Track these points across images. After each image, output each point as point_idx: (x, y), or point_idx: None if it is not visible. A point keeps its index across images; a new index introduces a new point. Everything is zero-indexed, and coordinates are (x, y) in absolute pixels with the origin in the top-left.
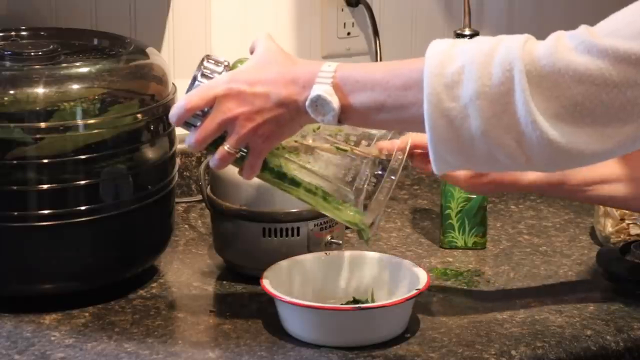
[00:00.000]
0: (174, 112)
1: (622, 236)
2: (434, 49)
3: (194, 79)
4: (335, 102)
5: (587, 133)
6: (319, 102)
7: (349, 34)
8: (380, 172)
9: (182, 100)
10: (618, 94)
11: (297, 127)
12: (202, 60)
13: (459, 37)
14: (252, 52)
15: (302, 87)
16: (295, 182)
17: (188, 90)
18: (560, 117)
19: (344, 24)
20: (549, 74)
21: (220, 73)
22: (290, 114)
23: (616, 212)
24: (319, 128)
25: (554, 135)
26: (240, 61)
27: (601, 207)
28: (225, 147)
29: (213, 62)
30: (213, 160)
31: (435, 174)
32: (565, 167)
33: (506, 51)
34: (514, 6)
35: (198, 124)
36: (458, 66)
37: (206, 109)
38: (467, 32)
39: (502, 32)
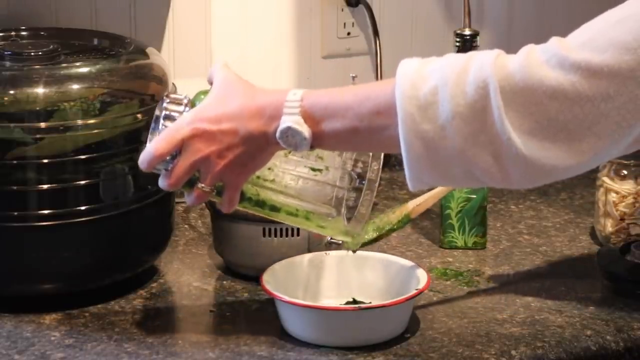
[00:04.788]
0: (143, 159)
1: (622, 236)
2: (405, 69)
3: (156, 119)
4: (306, 132)
5: (561, 148)
6: (290, 133)
7: (349, 34)
8: (358, 185)
9: (150, 147)
10: (592, 108)
11: (269, 157)
12: (162, 100)
13: (459, 37)
14: (210, 83)
15: (269, 119)
16: (275, 208)
17: (152, 130)
18: (534, 133)
19: (344, 24)
20: (522, 89)
21: (182, 113)
22: (260, 146)
23: (616, 212)
24: (290, 152)
25: (528, 152)
26: (203, 93)
27: (601, 207)
28: (200, 186)
29: (174, 101)
30: (190, 199)
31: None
32: (540, 183)
33: (479, 68)
34: (514, 6)
35: (169, 167)
36: (431, 86)
37: (174, 153)
38: (467, 32)
39: (502, 32)
